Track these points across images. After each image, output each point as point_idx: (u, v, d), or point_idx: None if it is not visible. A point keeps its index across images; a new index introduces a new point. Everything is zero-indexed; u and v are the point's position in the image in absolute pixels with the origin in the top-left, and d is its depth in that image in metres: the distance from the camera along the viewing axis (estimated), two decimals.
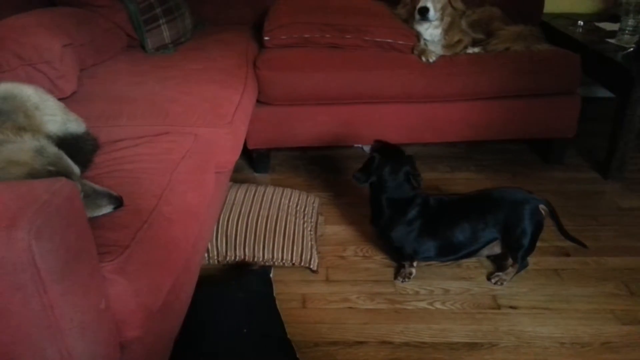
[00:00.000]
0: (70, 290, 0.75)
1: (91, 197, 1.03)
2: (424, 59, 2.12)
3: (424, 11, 2.13)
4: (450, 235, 1.59)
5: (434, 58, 2.12)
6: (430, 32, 2.21)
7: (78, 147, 1.26)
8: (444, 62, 2.14)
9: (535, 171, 2.35)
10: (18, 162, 0.95)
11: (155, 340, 1.08)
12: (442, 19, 2.20)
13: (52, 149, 1.02)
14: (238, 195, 1.89)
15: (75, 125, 1.32)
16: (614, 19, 2.57)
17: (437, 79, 2.12)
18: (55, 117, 1.27)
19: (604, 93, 2.86)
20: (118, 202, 1.08)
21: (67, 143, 1.22)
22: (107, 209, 1.06)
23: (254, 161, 2.36)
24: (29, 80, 1.45)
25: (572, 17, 2.74)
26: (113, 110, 1.56)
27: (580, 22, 2.62)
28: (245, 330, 1.30)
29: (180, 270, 1.14)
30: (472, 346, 1.43)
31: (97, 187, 1.06)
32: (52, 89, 1.56)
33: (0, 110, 1.15)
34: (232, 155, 1.64)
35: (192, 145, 1.42)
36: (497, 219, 1.57)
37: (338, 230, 1.94)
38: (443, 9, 2.19)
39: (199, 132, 1.49)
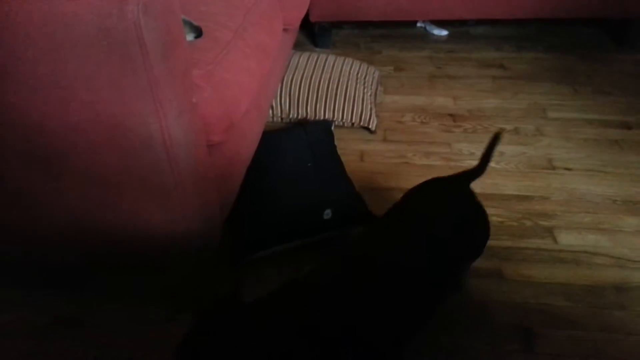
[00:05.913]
0: (170, 73, 0.85)
1: None
2: None
3: None
4: None
5: None
6: None
7: None
8: None
9: (605, 53, 2.25)
10: None
11: (233, 156, 1.21)
12: None
13: None
14: (301, 60, 1.95)
15: None
16: None
17: None
18: None
19: None
20: (198, 31, 1.16)
21: None
22: (189, 36, 1.14)
23: (315, 36, 2.38)
24: None
25: None
26: None
27: None
28: (309, 165, 1.41)
29: (255, 95, 1.24)
30: (523, 198, 1.49)
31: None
32: None
33: None
34: (298, 12, 1.67)
35: None
36: None
37: (397, 99, 1.98)
38: None
39: None
